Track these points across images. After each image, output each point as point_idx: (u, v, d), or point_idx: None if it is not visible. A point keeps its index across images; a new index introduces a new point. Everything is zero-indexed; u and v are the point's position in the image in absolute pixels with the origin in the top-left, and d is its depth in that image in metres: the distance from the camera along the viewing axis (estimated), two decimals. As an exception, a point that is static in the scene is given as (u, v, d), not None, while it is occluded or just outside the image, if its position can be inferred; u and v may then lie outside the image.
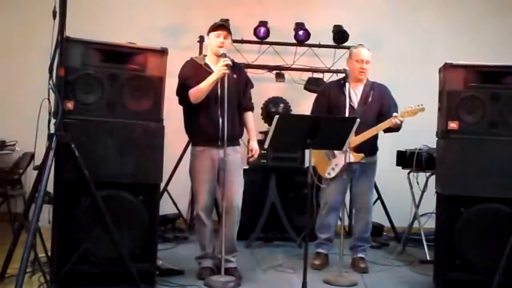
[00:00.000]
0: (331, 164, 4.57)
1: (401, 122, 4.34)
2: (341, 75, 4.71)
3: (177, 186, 5.80)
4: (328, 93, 4.63)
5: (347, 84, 4.42)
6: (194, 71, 4.09)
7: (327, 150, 4.49)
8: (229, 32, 4.12)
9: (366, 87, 4.59)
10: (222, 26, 4.14)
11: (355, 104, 4.50)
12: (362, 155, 4.42)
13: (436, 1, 6.63)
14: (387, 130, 4.46)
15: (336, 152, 4.51)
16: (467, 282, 3.79)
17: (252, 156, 4.22)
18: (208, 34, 4.13)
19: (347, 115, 4.34)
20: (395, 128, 4.42)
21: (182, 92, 4.05)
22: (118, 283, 3.63)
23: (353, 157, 4.39)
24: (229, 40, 4.14)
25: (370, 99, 4.55)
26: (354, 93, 4.53)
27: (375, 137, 4.54)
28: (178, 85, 4.09)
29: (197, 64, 4.14)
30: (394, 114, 4.35)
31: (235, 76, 4.12)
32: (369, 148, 4.51)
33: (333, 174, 4.56)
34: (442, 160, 3.97)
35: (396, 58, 6.40)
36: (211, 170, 4.08)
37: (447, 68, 3.91)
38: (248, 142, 4.28)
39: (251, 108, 4.31)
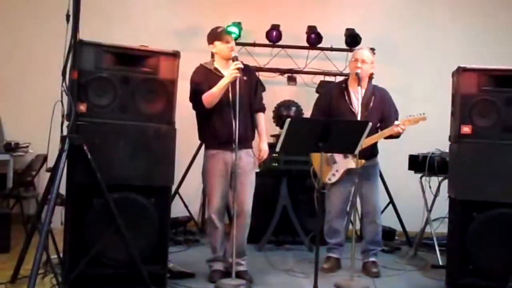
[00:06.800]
0: (331, 169, 4.54)
1: (403, 130, 4.31)
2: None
3: (188, 189, 5.82)
4: (330, 97, 4.60)
5: (359, 88, 4.38)
6: (205, 77, 4.10)
7: (331, 154, 4.47)
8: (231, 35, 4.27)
9: (367, 91, 4.52)
10: (225, 32, 4.19)
11: (357, 110, 4.42)
12: (363, 161, 4.38)
13: (450, 4, 6.59)
14: (388, 136, 4.42)
15: (336, 158, 4.50)
16: (479, 287, 3.75)
17: (261, 157, 4.21)
18: (212, 42, 4.15)
19: None
20: (396, 136, 4.39)
21: (195, 98, 4.06)
22: (129, 285, 3.64)
23: (354, 164, 4.36)
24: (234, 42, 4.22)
25: (371, 104, 4.49)
26: (355, 98, 4.46)
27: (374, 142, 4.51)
28: (191, 91, 4.11)
29: (207, 69, 4.16)
30: (396, 122, 4.31)
31: (245, 78, 4.13)
32: (369, 152, 4.47)
33: (333, 180, 4.54)
34: (455, 164, 3.94)
35: (409, 62, 6.38)
36: (224, 173, 4.09)
37: (460, 71, 3.88)
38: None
39: (262, 109, 4.31)
